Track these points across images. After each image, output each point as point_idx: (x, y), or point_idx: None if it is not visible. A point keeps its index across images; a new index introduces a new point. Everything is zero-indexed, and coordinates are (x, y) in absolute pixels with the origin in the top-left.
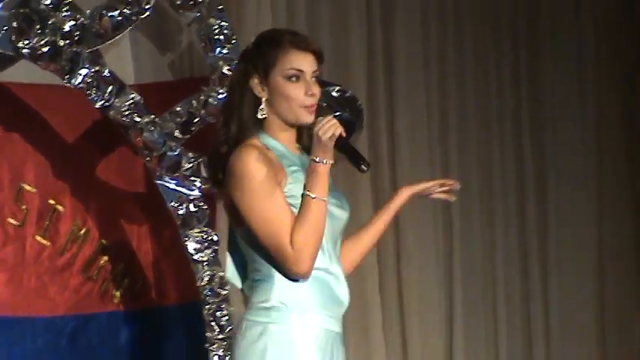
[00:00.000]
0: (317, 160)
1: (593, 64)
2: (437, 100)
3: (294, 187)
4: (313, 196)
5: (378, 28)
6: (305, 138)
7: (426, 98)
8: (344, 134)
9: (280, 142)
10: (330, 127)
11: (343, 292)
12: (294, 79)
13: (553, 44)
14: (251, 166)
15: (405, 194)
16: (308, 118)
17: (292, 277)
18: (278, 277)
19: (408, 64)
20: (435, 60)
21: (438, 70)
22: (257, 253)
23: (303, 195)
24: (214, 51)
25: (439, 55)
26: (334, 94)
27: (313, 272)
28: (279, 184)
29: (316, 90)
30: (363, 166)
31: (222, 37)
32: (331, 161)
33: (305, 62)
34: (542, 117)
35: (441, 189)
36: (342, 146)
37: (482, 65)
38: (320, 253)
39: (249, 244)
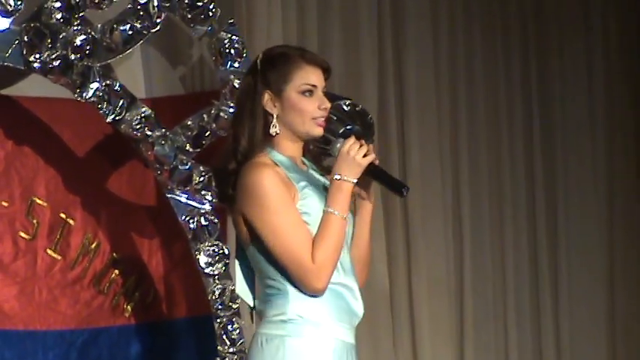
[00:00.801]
0: (344, 178)
1: (602, 61)
2: (448, 112)
3: (305, 202)
4: (337, 213)
5: (388, 40)
6: (313, 154)
7: (437, 111)
8: (376, 161)
9: (288, 157)
10: (361, 150)
11: (357, 305)
12: (307, 94)
13: (561, 42)
14: (266, 183)
15: (363, 195)
16: (319, 131)
17: (308, 291)
18: (292, 291)
19: (418, 77)
20: (445, 71)
21: (448, 81)
22: (271, 268)
23: (324, 211)
24: (225, 65)
25: (449, 65)
26: (345, 107)
27: (328, 285)
28: (292, 200)
29: (328, 104)
30: (404, 191)
31: (233, 50)
32: (355, 180)
33: (317, 77)
34: (552, 121)
35: None
36: (377, 172)
37: (492, 73)
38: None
39: (262, 260)
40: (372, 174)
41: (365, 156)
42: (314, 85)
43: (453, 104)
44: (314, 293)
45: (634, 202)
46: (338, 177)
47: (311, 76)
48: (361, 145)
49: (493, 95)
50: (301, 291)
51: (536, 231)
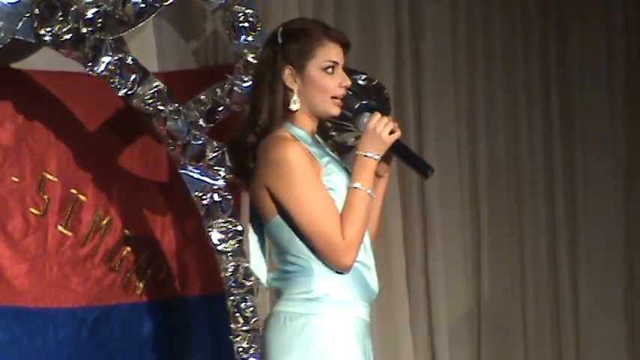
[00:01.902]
0: (368, 155)
1: (623, 45)
2: (465, 101)
3: (330, 178)
4: (364, 189)
5: (405, 15)
6: (322, 128)
7: (453, 88)
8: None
9: (306, 131)
10: (387, 126)
11: (374, 282)
12: (330, 70)
13: (582, 27)
14: (293, 158)
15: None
16: (336, 110)
17: (336, 268)
18: (317, 268)
19: (435, 52)
20: (462, 49)
21: (465, 59)
22: (296, 245)
23: (350, 187)
24: (239, 39)
25: (467, 42)
26: (361, 82)
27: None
28: (317, 175)
29: (349, 82)
30: (428, 173)
31: (247, 24)
32: (379, 157)
33: (338, 54)
34: (571, 109)
35: None
36: (403, 150)
37: (510, 52)
38: None
39: (287, 235)
40: (397, 152)
41: (392, 133)
42: (336, 62)
43: (470, 92)
44: (341, 270)
45: None
46: (363, 153)
47: (333, 53)
48: (387, 122)
49: (512, 82)
50: (327, 268)
51: (554, 221)
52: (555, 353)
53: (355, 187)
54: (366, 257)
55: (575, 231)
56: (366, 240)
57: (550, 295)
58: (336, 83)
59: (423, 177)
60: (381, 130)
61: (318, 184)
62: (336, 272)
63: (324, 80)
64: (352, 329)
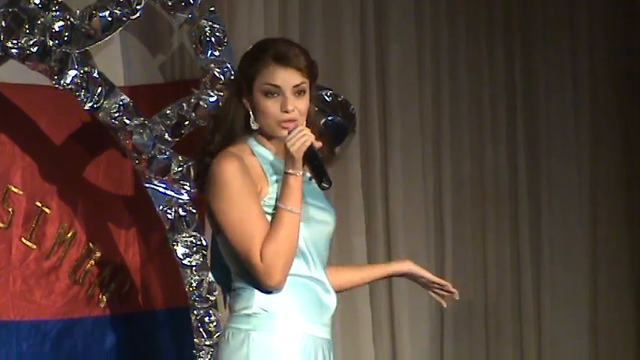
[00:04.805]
0: (289, 172)
1: (588, 54)
2: (430, 106)
3: (272, 197)
4: (286, 208)
5: (371, 31)
6: None
7: (419, 103)
8: (316, 144)
9: (270, 149)
10: (300, 139)
11: (329, 298)
12: (270, 94)
13: (546, 38)
14: (228, 174)
15: (405, 268)
16: (283, 133)
17: (264, 288)
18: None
19: (401, 70)
20: (428, 65)
21: (431, 75)
22: (235, 262)
23: (276, 207)
24: (206, 53)
25: (432, 59)
26: (327, 98)
27: (295, 279)
28: (259, 193)
29: (296, 104)
30: (323, 184)
31: (213, 39)
32: (301, 173)
33: (283, 77)
34: (536, 126)
35: (438, 290)
36: (311, 157)
37: (475, 68)
38: (302, 260)
39: (226, 253)
40: (307, 158)
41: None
42: (276, 86)
43: (436, 109)
44: (269, 290)
45: (617, 204)
46: (285, 170)
47: (275, 76)
48: (300, 136)
49: (477, 99)
50: (258, 289)
51: (518, 237)
52: None
53: (279, 207)
54: (315, 272)
55: (539, 247)
56: (315, 255)
57: (513, 310)
58: (277, 108)
59: (317, 185)
60: (289, 145)
61: (247, 201)
62: (270, 292)
63: (264, 104)
64: (295, 344)
